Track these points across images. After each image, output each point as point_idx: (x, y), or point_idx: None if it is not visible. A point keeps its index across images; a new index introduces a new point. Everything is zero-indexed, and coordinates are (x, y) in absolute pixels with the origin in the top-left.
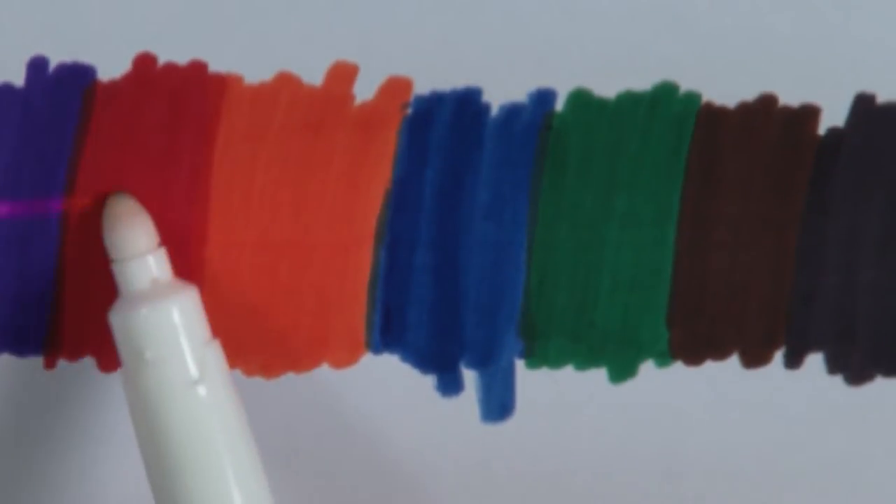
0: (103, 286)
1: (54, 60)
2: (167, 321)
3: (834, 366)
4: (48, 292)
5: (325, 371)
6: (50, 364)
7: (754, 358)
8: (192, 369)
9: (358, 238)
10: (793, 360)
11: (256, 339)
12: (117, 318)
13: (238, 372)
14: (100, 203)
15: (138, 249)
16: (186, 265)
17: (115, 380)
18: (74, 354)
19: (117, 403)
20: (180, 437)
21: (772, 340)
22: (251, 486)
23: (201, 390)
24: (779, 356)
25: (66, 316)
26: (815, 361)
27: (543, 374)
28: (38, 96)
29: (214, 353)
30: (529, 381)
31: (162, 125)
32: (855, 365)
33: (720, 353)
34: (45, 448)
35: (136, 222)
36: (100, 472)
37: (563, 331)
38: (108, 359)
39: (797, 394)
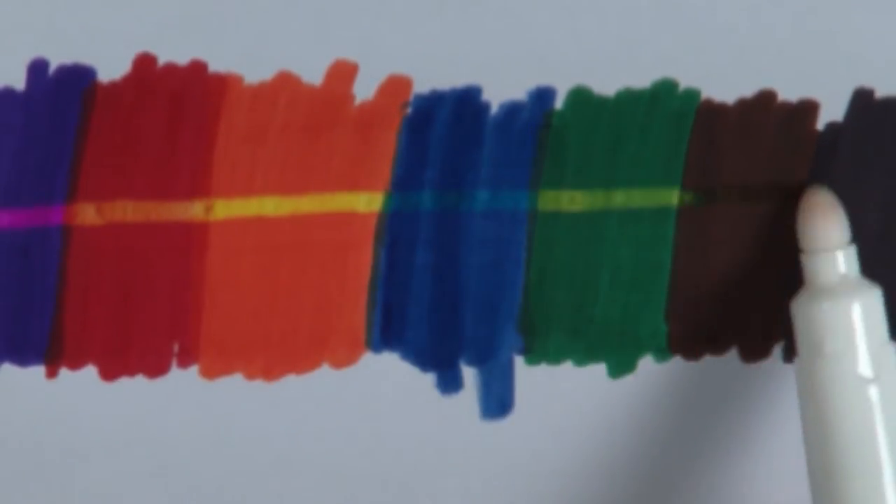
0: (105, 295)
1: (54, 62)
2: (847, 317)
3: None
4: (50, 301)
5: (325, 371)
6: (52, 373)
7: (753, 352)
8: (867, 369)
9: (358, 238)
10: (791, 354)
11: (257, 342)
12: (800, 308)
13: (238, 375)
14: None
15: (830, 243)
16: (188, 268)
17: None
18: (76, 363)
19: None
20: (845, 437)
21: (770, 335)
22: None
23: (873, 391)
24: (777, 350)
25: (67, 325)
26: None
27: (542, 371)
28: (38, 100)
29: (892, 356)
30: (528, 378)
31: (162, 127)
32: None
33: (719, 348)
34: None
35: (832, 216)
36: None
37: (563, 327)
38: (110, 367)
39: (793, 388)
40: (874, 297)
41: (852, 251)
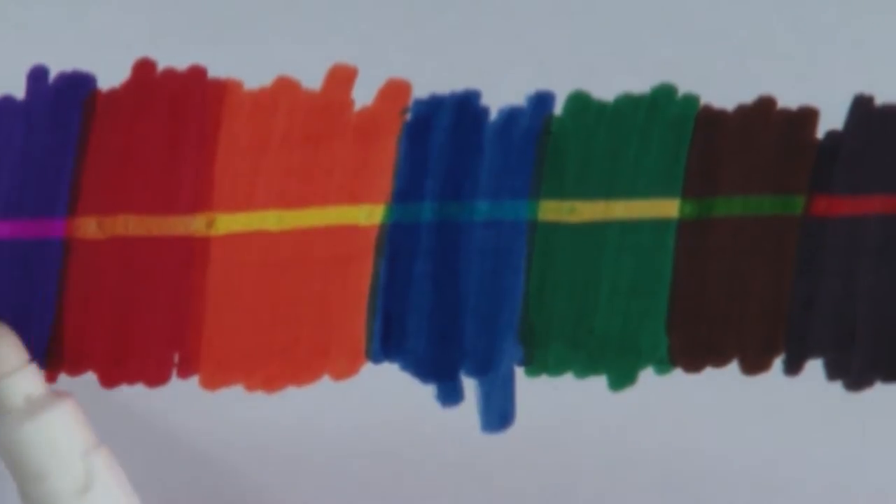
0: (105, 305)
1: (53, 69)
2: (46, 434)
3: (833, 372)
4: (49, 310)
5: (325, 382)
6: (51, 378)
7: (754, 364)
8: (78, 479)
9: (358, 250)
10: (792, 367)
11: (259, 354)
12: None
13: (240, 387)
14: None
15: (8, 368)
16: (188, 282)
17: None
18: (75, 369)
19: None
20: None
21: (771, 347)
22: None
23: (90, 498)
24: (778, 363)
25: (66, 333)
26: (814, 368)
27: (543, 384)
28: (38, 109)
29: (101, 459)
30: (529, 390)
31: (163, 135)
32: (854, 371)
33: (720, 360)
34: None
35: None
36: None
37: (563, 337)
38: (109, 374)
39: (796, 400)
40: (68, 408)
41: (33, 370)
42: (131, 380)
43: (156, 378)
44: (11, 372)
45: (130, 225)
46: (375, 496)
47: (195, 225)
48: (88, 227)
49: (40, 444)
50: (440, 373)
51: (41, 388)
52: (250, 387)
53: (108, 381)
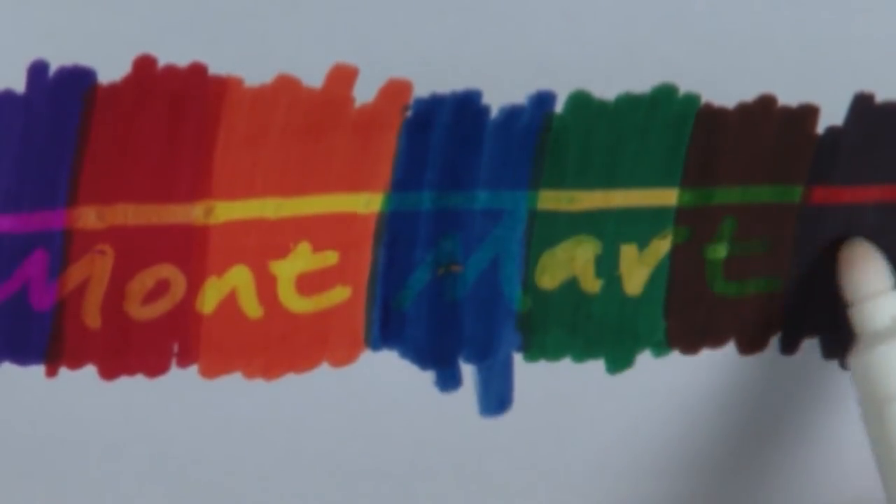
0: (103, 295)
1: (54, 64)
2: None
3: (829, 351)
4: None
5: (324, 369)
6: (51, 372)
7: (750, 344)
8: None
9: (357, 238)
10: (788, 346)
11: (257, 341)
12: (860, 359)
13: (239, 374)
14: None
15: (876, 289)
16: (189, 270)
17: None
18: (75, 363)
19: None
20: None
21: (768, 327)
22: None
23: None
24: (774, 342)
25: (67, 325)
26: (810, 347)
27: (541, 367)
28: (39, 101)
29: None
30: (527, 374)
31: (162, 129)
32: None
33: (716, 342)
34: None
35: (873, 264)
36: None
37: (561, 323)
38: (109, 366)
39: (793, 379)
40: None
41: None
42: (131, 371)
43: (155, 368)
44: (878, 293)
45: (130, 214)
46: (371, 483)
47: (194, 213)
48: (88, 217)
49: (892, 365)
50: (439, 359)
51: None
52: (249, 374)
53: (108, 373)
